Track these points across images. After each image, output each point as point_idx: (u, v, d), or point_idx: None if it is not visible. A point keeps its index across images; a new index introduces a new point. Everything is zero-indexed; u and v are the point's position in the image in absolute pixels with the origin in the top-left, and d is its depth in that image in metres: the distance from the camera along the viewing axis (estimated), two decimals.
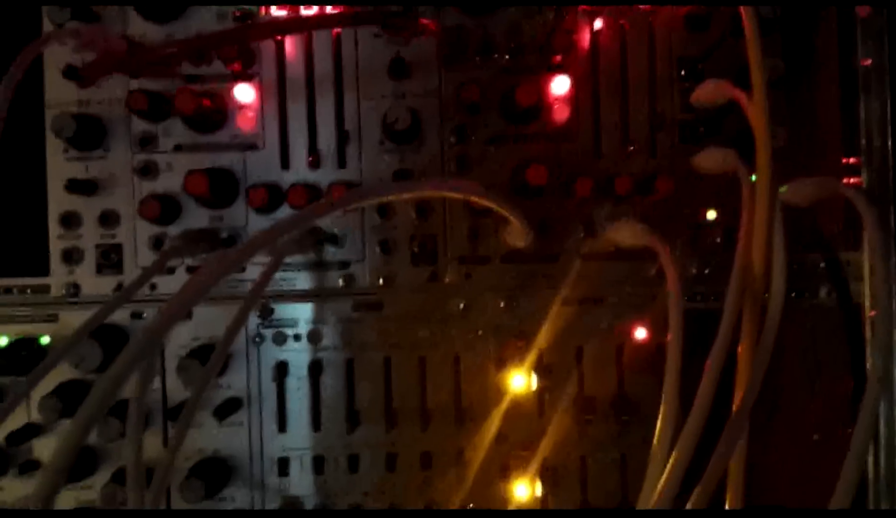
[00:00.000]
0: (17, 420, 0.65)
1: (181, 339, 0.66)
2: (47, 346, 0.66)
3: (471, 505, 0.67)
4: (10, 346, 0.64)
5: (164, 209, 0.63)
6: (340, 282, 0.66)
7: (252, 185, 0.64)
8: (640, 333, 0.67)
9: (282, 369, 0.66)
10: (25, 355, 0.64)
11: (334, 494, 0.67)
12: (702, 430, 0.44)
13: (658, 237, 0.56)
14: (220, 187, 0.63)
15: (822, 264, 0.66)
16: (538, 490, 0.65)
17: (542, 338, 0.66)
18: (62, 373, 0.64)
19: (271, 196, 0.64)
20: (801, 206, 0.58)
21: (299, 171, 0.65)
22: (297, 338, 0.66)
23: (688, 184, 0.65)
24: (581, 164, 0.65)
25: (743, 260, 0.50)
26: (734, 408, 0.48)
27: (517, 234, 0.61)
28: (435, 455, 0.67)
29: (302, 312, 0.66)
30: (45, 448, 0.65)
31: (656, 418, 0.66)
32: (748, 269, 0.50)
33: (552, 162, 0.64)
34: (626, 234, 0.62)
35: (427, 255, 0.66)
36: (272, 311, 0.66)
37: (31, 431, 0.65)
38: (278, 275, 0.66)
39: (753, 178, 0.52)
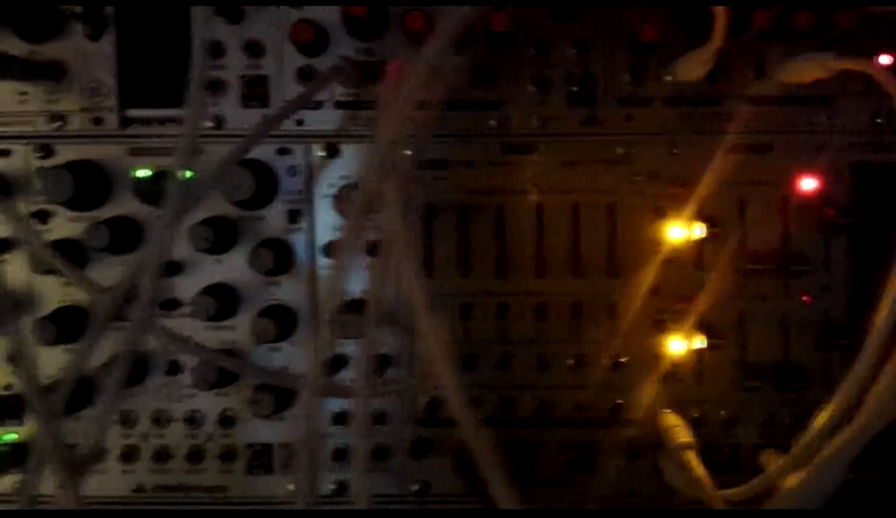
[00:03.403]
0: None
1: (330, 177, 0.63)
2: (191, 179, 0.63)
3: (623, 359, 0.64)
4: (153, 178, 0.62)
5: (315, 35, 0.60)
6: (493, 122, 0.63)
7: (408, 9, 0.60)
8: (807, 184, 0.63)
9: (430, 212, 0.64)
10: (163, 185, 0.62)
11: (481, 342, 0.65)
12: None
13: (864, 61, 0.52)
14: (377, 13, 0.60)
15: None
16: (695, 344, 0.62)
17: (704, 186, 0.62)
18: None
19: (426, 22, 0.60)
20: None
21: None
22: (446, 180, 0.63)
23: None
24: None
25: None
26: None
27: (696, 63, 0.57)
28: (586, 306, 0.64)
29: (452, 153, 0.63)
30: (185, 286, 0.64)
31: (819, 273, 0.63)
32: None
33: None
34: (810, 68, 0.57)
35: (585, 96, 0.63)
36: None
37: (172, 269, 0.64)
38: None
39: None
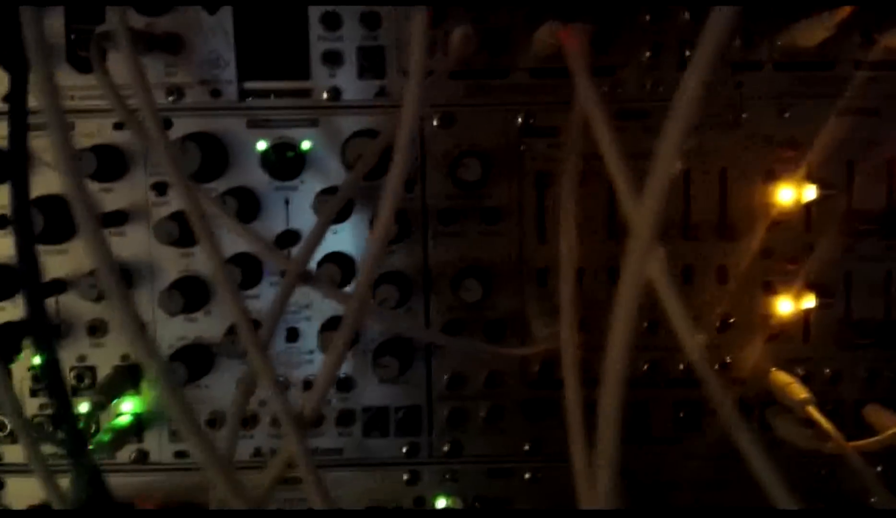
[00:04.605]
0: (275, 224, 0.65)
1: (445, 146, 0.64)
2: (307, 151, 0.64)
3: (731, 320, 0.66)
4: (270, 150, 0.63)
5: (436, 10, 0.61)
6: (605, 89, 0.64)
7: None
8: None
9: (541, 179, 0.65)
10: (291, 158, 0.63)
11: (594, 306, 0.66)
12: None
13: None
14: None
15: None
16: (803, 305, 0.64)
17: (815, 149, 0.64)
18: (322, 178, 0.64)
19: None
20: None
21: None
22: (559, 147, 0.64)
23: None
24: None
25: None
26: None
27: (819, 28, 0.58)
28: (697, 269, 0.66)
29: (564, 119, 0.64)
30: None
31: None
32: None
33: None
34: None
35: None
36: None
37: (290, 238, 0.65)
38: (537, 82, 0.64)
39: None
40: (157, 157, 0.63)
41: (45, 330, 0.35)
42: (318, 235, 0.51)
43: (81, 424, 0.60)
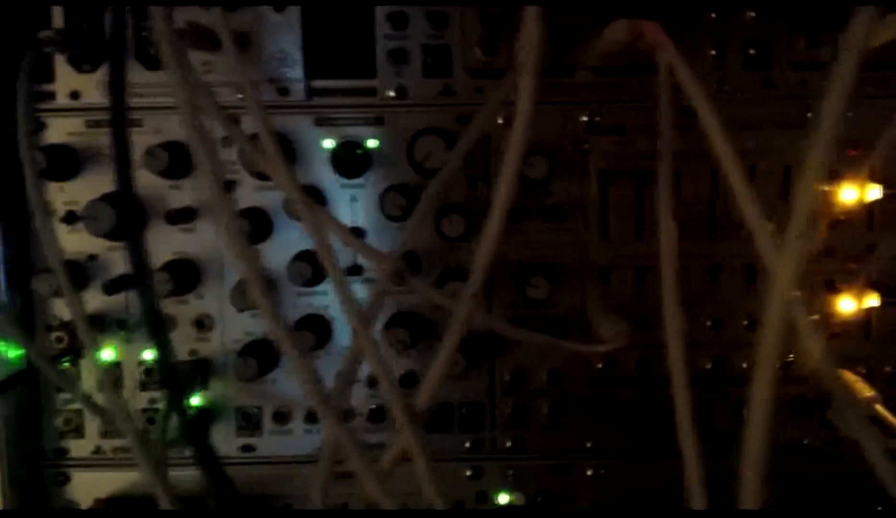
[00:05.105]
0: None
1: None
2: (374, 149, 0.65)
3: None
4: (341, 148, 0.64)
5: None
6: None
7: None
8: None
9: (606, 177, 0.65)
10: (360, 155, 0.63)
11: (656, 304, 0.66)
12: None
13: None
14: None
15: None
16: (866, 304, 0.64)
17: (879, 148, 0.64)
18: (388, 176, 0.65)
19: None
20: None
21: None
22: (622, 144, 0.65)
23: None
24: None
25: None
26: None
27: (879, 31, 0.58)
28: (760, 267, 0.66)
29: (628, 117, 0.65)
30: None
31: None
32: None
33: None
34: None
35: (761, 60, 0.64)
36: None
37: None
38: (602, 79, 0.64)
39: None
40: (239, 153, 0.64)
41: (158, 324, 0.35)
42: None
43: (157, 421, 0.60)
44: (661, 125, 0.49)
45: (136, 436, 0.41)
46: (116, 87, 0.40)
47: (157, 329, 0.35)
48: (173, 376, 0.36)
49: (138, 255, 0.37)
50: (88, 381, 0.66)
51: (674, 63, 0.43)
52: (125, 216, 0.62)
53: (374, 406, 0.68)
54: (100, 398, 0.63)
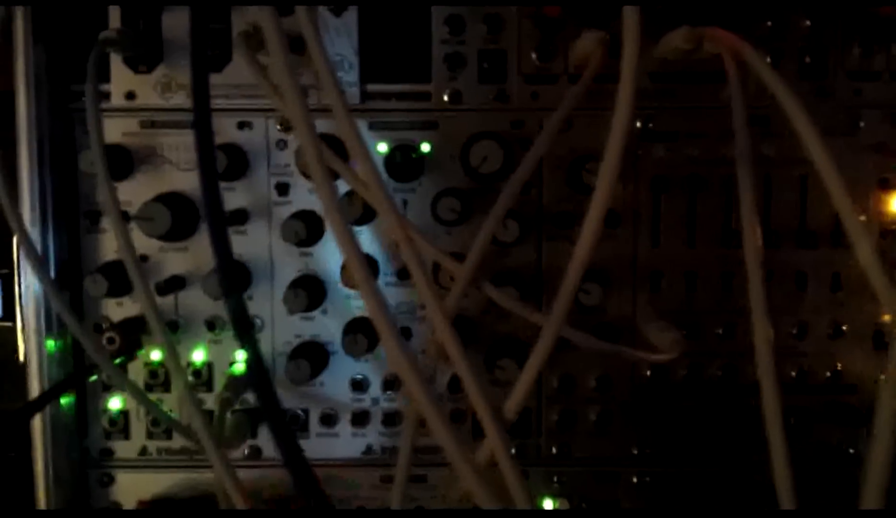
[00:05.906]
0: None
1: (562, 149, 0.65)
2: (427, 154, 0.65)
3: (843, 327, 0.66)
4: (397, 152, 0.64)
5: (563, 9, 0.61)
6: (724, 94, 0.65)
7: None
8: None
9: (658, 183, 0.65)
10: (415, 159, 0.63)
11: (705, 311, 0.67)
12: None
13: None
14: None
15: None
16: None
17: None
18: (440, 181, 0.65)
19: None
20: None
21: None
22: (675, 151, 0.65)
23: None
24: None
25: None
26: None
27: None
28: (810, 276, 0.66)
29: (682, 125, 0.65)
30: None
31: None
32: None
33: None
34: None
35: (817, 68, 0.64)
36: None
37: None
38: (657, 86, 0.64)
39: None
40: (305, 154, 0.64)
41: (246, 325, 0.35)
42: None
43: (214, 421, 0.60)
44: (736, 130, 0.49)
45: (207, 434, 0.41)
46: (199, 88, 0.40)
47: (246, 331, 0.35)
48: (264, 378, 0.36)
49: (226, 256, 0.36)
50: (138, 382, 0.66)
51: (757, 66, 0.43)
52: (182, 217, 0.62)
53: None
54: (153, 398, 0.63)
